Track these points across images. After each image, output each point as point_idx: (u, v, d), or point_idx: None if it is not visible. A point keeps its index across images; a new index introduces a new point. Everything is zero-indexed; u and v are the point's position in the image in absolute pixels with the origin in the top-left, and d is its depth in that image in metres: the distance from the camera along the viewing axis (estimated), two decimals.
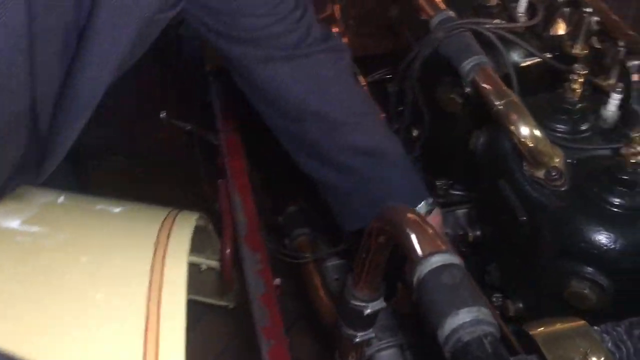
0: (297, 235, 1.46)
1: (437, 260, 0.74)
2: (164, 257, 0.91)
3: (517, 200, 0.95)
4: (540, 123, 0.95)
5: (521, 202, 0.95)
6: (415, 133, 1.32)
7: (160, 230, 0.95)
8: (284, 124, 1.11)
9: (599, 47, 1.18)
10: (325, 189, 1.17)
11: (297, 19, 1.04)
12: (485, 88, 0.97)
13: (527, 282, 0.98)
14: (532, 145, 0.91)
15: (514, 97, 0.94)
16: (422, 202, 1.10)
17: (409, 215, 0.86)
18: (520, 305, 1.00)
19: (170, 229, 0.95)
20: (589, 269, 0.86)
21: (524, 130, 0.92)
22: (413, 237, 0.81)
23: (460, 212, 1.37)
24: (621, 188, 0.86)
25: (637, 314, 0.86)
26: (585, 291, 0.86)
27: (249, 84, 1.10)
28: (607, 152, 0.95)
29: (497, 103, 0.94)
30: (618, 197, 0.86)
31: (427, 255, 0.75)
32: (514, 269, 1.01)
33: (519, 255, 0.99)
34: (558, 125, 0.98)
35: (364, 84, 1.52)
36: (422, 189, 1.13)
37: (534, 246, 0.94)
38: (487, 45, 1.09)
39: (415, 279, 0.76)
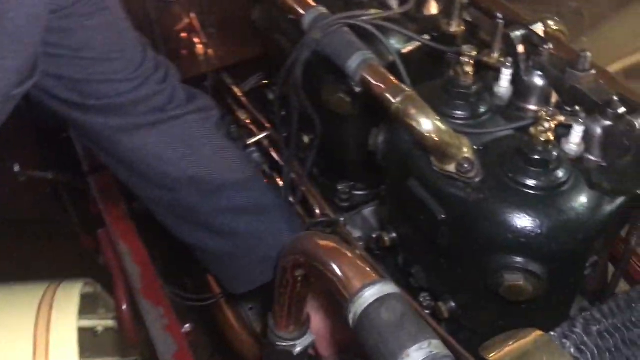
0: (198, 271, 1.33)
1: (371, 293, 0.66)
2: (47, 349, 0.75)
3: (431, 198, 0.89)
4: (438, 113, 0.89)
5: (436, 200, 0.88)
6: (306, 139, 1.23)
7: (37, 317, 0.79)
8: (158, 193, 1.01)
9: (470, 20, 1.15)
10: (205, 255, 1.08)
11: (160, 80, 0.94)
12: (378, 86, 0.89)
13: (457, 281, 0.93)
14: (437, 139, 0.85)
15: (410, 92, 0.87)
16: None
17: (325, 243, 0.77)
18: (453, 304, 0.95)
19: (49, 314, 0.80)
20: (520, 259, 0.82)
21: (427, 125, 0.85)
22: (335, 268, 0.72)
23: (367, 211, 1.31)
24: (536, 169, 0.82)
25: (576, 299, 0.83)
26: (521, 283, 0.81)
27: (114, 157, 0.98)
28: (510, 132, 0.91)
29: (393, 100, 0.87)
30: (534, 179, 0.82)
31: (360, 289, 0.67)
32: (440, 269, 0.95)
33: (443, 255, 0.93)
34: (457, 112, 0.92)
35: (241, 94, 1.41)
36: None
37: (457, 244, 0.88)
38: (364, 38, 1.01)
39: (351, 319, 0.67)
